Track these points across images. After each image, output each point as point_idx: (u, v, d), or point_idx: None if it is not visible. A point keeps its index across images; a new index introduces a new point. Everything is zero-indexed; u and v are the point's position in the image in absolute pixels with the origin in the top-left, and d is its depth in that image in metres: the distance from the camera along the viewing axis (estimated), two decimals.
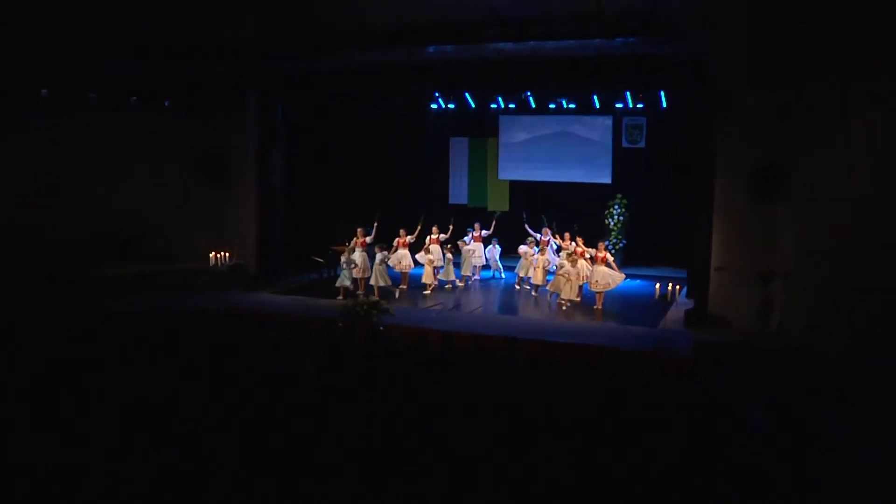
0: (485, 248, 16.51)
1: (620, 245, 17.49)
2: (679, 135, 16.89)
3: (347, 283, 14.42)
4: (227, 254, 15.24)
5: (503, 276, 16.55)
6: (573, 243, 14.54)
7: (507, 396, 6.44)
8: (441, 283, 15.42)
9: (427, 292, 14.79)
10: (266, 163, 15.93)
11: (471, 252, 16.18)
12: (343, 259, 14.52)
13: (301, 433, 5.54)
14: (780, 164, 11.46)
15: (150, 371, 6.94)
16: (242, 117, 15.84)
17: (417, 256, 15.83)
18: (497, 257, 16.60)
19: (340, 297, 14.49)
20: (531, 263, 14.79)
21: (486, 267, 16.67)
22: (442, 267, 15.63)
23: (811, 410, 6.63)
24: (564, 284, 13.42)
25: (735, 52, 11.34)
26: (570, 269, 13.47)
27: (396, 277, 15.18)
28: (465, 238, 16.42)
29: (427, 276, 15.01)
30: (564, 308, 13.30)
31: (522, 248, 14.91)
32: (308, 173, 17.23)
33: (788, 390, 6.51)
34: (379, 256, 14.60)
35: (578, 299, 13.59)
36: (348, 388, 6.58)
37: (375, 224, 14.94)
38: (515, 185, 19.65)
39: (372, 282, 14.33)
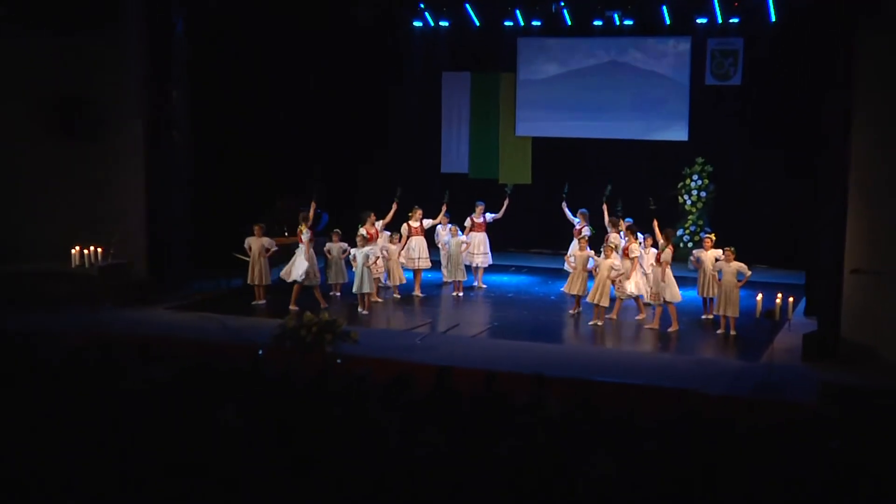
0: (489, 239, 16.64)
1: (701, 234, 17.46)
2: (795, 66, 16.80)
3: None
4: (99, 249, 15.13)
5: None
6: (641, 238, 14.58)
7: (534, 467, 6.39)
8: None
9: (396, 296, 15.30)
10: (161, 108, 15.77)
11: (462, 245, 16.20)
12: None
13: None
14: None
15: None
16: (122, 36, 15.61)
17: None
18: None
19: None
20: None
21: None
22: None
23: None
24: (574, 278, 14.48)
25: None
26: (577, 253, 14.53)
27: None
28: (448, 226, 16.35)
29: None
30: (573, 313, 14.50)
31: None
32: (228, 126, 17.08)
33: None
34: (336, 248, 14.94)
35: (580, 293, 14.42)
36: (290, 453, 6.50)
37: (313, 205, 15.07)
38: (541, 146, 19.60)
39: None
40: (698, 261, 14.03)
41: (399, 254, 15.56)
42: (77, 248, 14.74)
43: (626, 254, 14.35)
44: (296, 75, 18.47)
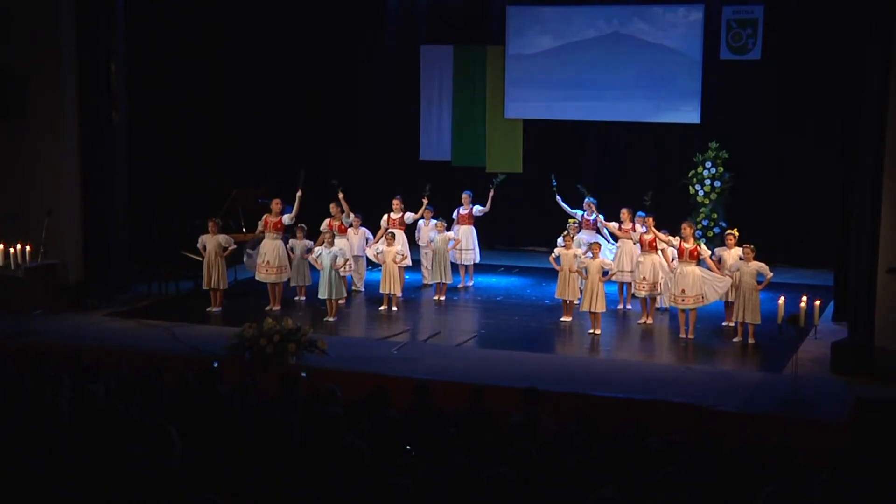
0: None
1: (715, 229, 17.50)
2: (823, 38, 16.72)
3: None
4: (27, 247, 15.04)
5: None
6: (638, 227, 14.62)
7: (527, 497, 6.31)
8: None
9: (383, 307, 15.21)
10: (97, 81, 15.64)
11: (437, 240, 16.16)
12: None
13: None
14: None
15: None
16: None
17: (368, 251, 15.88)
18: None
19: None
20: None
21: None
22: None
23: None
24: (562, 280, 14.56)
25: None
26: (562, 252, 14.56)
27: None
28: (433, 221, 16.31)
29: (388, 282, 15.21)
30: (565, 321, 14.54)
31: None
32: (173, 106, 17.02)
33: None
34: (299, 246, 15.04)
35: (574, 300, 14.47)
36: (245, 483, 6.40)
37: (299, 194, 15.15)
38: (534, 130, 19.56)
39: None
40: (720, 260, 13.98)
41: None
42: (0, 245, 14.62)
43: (651, 246, 14.38)
44: (251, 49, 18.38)
